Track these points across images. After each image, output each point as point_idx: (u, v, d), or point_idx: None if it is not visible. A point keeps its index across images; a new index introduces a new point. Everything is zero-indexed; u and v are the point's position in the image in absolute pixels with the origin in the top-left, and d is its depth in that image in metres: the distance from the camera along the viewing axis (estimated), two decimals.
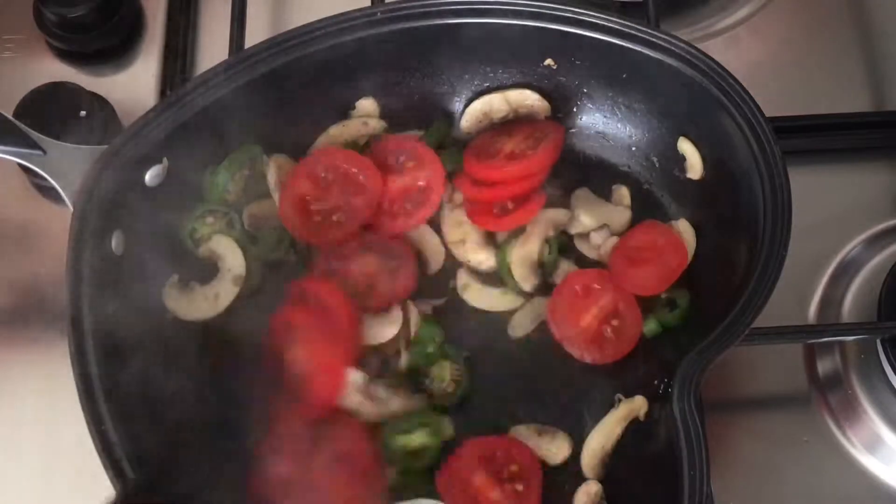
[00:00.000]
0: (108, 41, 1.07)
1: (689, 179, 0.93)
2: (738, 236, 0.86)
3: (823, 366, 0.96)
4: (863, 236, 1.00)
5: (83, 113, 1.00)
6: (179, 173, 0.89)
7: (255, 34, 1.01)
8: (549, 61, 0.94)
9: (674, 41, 0.88)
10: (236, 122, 0.90)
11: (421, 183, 0.94)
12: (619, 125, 0.97)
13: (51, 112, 0.99)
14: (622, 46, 0.89)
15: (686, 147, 0.93)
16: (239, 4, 1.04)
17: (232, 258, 0.92)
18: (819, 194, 1.02)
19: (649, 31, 0.88)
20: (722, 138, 0.88)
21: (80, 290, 0.80)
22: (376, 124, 0.97)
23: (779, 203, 0.83)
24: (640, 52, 0.88)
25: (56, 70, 1.07)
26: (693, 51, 0.88)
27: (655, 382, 0.88)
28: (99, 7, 1.05)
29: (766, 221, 0.82)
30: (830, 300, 0.98)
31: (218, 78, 0.88)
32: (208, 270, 0.92)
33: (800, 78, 1.08)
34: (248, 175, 0.93)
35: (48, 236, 0.99)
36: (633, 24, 0.88)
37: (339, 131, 0.96)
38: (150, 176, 0.87)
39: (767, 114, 0.86)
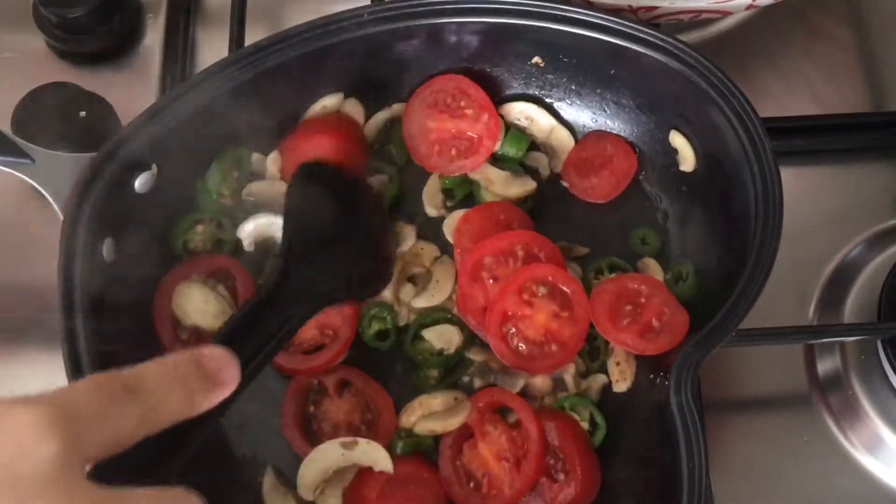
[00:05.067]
0: (108, 41, 1.07)
1: (681, 172, 0.93)
2: (730, 228, 0.86)
3: (824, 366, 0.95)
4: (863, 236, 1.00)
5: (83, 114, 0.99)
6: (170, 179, 0.88)
7: (256, 34, 1.01)
8: (536, 59, 0.94)
9: (659, 36, 0.87)
10: (225, 126, 0.90)
11: (472, 134, 0.95)
12: (607, 121, 0.97)
13: (50, 113, 0.98)
14: (609, 42, 0.89)
15: (678, 140, 0.93)
16: (239, 4, 1.04)
17: None
18: (819, 194, 1.02)
19: (634, 26, 0.88)
20: (711, 132, 0.88)
21: (72, 299, 0.79)
22: (329, 101, 0.95)
23: (770, 195, 0.82)
24: (627, 48, 0.88)
25: (56, 70, 1.07)
26: (679, 45, 0.87)
27: (651, 376, 0.88)
28: (99, 7, 1.05)
29: (757, 213, 0.82)
30: (831, 300, 0.97)
31: (208, 82, 0.87)
32: None
33: (799, 78, 1.08)
34: (239, 176, 0.93)
35: (48, 242, 0.98)
36: (618, 20, 0.88)
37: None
38: (140, 182, 0.86)
39: (767, 115, 0.86)
